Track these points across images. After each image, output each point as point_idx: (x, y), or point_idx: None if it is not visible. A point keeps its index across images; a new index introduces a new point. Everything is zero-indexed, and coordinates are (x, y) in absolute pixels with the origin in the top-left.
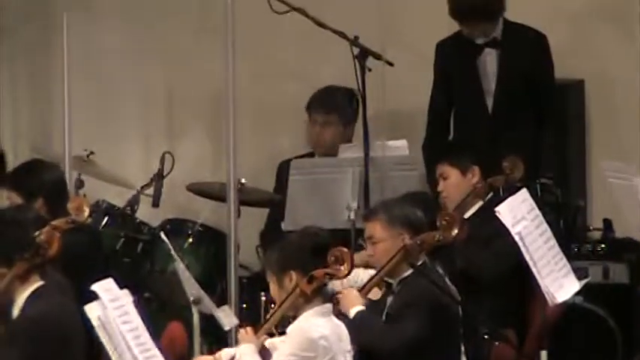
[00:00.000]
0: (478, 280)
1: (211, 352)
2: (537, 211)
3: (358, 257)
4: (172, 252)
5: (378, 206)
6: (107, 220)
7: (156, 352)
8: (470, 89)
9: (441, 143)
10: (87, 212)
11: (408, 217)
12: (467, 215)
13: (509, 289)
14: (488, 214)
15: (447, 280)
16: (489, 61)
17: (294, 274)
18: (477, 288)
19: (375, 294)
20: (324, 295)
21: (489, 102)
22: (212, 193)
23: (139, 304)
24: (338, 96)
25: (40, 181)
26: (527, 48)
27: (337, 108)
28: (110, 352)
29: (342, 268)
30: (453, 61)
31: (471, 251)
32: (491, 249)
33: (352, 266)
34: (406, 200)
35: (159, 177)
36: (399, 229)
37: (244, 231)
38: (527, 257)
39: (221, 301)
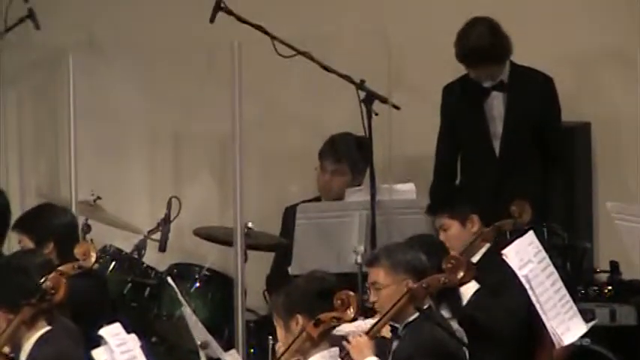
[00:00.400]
0: (488, 332)
1: None
2: (544, 254)
3: None
4: (179, 296)
5: (380, 252)
6: (114, 265)
7: None
8: (477, 132)
9: (447, 188)
10: (94, 257)
11: (412, 262)
12: (475, 259)
13: (518, 336)
14: (495, 258)
15: (455, 322)
16: (496, 105)
17: (300, 318)
18: (485, 333)
19: (387, 331)
20: (330, 339)
21: (496, 145)
22: (219, 237)
23: (146, 348)
24: (348, 144)
25: (51, 225)
26: (535, 91)
27: (347, 157)
28: None
29: (349, 311)
30: (460, 105)
31: (481, 299)
32: (502, 303)
33: (358, 310)
34: (410, 244)
35: (166, 221)
36: (402, 275)
37: (251, 275)
38: (534, 299)
39: (228, 345)
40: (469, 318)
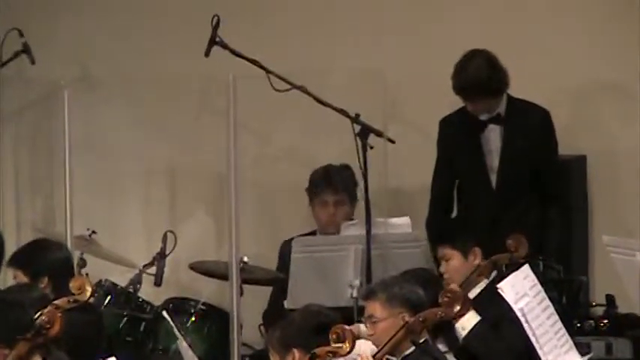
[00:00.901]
0: None
1: None
2: (539, 287)
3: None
4: (175, 330)
5: (377, 286)
6: (110, 299)
7: None
8: (473, 165)
9: (444, 220)
10: (89, 291)
11: (408, 295)
12: (472, 295)
13: None
14: (493, 292)
15: (451, 356)
16: (493, 138)
17: (296, 353)
18: None
19: None
20: None
21: (493, 178)
22: (214, 271)
23: None
24: (343, 174)
25: (46, 260)
26: (532, 124)
27: (345, 187)
28: None
29: (344, 346)
30: (457, 137)
31: (481, 331)
32: (502, 336)
33: (354, 344)
34: (406, 278)
35: (161, 256)
36: (398, 309)
37: (247, 309)
38: (529, 333)
39: None
40: (469, 349)
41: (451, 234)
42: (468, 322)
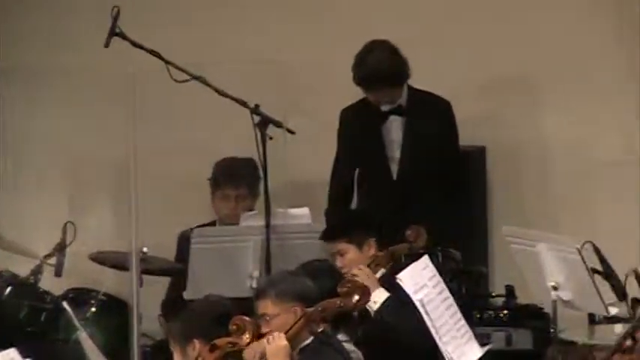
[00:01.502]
0: (398, 337)
1: None
2: (439, 278)
3: None
4: (75, 321)
5: (265, 283)
6: (10, 290)
7: None
8: (374, 156)
9: (343, 211)
10: None
11: (297, 289)
12: None
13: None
14: (390, 282)
15: (351, 346)
16: (394, 128)
17: (197, 343)
18: (395, 337)
19: None
20: None
21: (394, 169)
22: (115, 262)
23: None
24: (246, 168)
25: None
26: (433, 115)
27: (247, 181)
28: None
29: (244, 336)
30: (358, 128)
31: (393, 308)
32: (413, 314)
33: (254, 335)
34: (296, 271)
35: (61, 247)
36: (289, 303)
37: (147, 300)
38: (429, 324)
39: None
40: (381, 318)
41: (345, 228)
42: (378, 297)
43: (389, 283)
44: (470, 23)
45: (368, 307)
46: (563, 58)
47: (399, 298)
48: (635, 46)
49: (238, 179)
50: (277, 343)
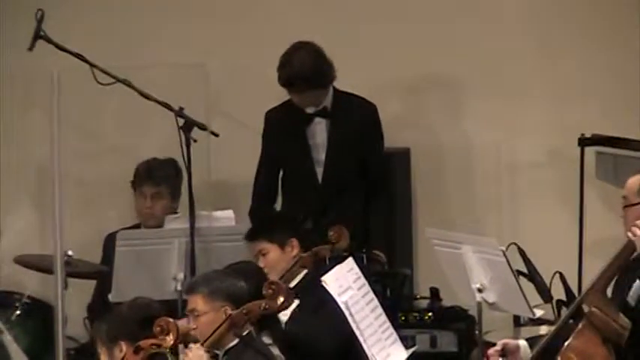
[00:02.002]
0: (309, 348)
1: None
2: (364, 280)
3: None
4: None
5: (198, 280)
6: None
7: None
8: (299, 159)
9: (267, 211)
10: None
11: (229, 289)
12: (292, 284)
13: (341, 352)
14: (314, 283)
15: (275, 349)
16: (319, 131)
17: (123, 345)
18: (306, 349)
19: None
20: None
21: (319, 171)
22: (39, 265)
23: None
24: (165, 168)
25: None
26: (357, 118)
27: (166, 180)
28: None
29: (168, 338)
30: (282, 131)
31: (301, 315)
32: (323, 320)
33: (178, 336)
34: (228, 272)
35: None
36: (220, 302)
37: (72, 303)
38: (353, 326)
39: None
40: (290, 334)
41: (267, 227)
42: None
43: (313, 284)
44: (394, 24)
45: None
46: (485, 60)
47: (310, 305)
48: (556, 48)
49: (154, 177)
50: (195, 352)
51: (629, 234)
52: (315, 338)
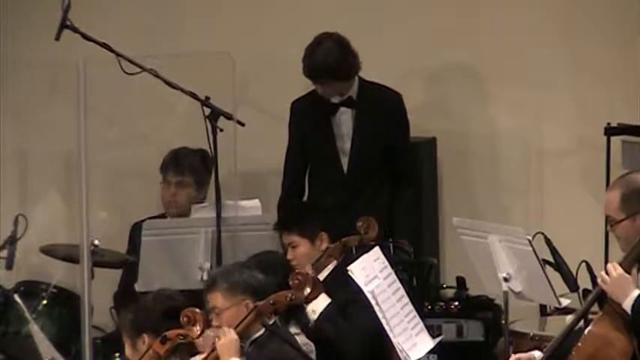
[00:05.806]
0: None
1: None
2: (390, 270)
3: None
4: (26, 314)
5: (216, 275)
6: None
7: None
8: (325, 148)
9: (290, 206)
10: None
11: (247, 281)
12: (322, 276)
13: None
14: (342, 274)
15: (304, 338)
16: (345, 121)
17: (146, 338)
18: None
19: None
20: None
21: (345, 162)
22: (66, 255)
23: None
24: (191, 157)
25: None
26: (383, 107)
27: (191, 169)
28: None
29: (195, 328)
30: (308, 120)
31: (331, 314)
32: (352, 324)
33: (204, 326)
34: (247, 263)
35: (12, 239)
36: (240, 296)
37: (98, 292)
38: (380, 315)
39: None
40: (319, 331)
41: (297, 221)
42: (318, 305)
43: (341, 274)
44: (419, 13)
45: (308, 315)
46: (510, 48)
47: (339, 304)
48: (580, 36)
49: (179, 166)
50: (228, 337)
51: None
52: (345, 345)
